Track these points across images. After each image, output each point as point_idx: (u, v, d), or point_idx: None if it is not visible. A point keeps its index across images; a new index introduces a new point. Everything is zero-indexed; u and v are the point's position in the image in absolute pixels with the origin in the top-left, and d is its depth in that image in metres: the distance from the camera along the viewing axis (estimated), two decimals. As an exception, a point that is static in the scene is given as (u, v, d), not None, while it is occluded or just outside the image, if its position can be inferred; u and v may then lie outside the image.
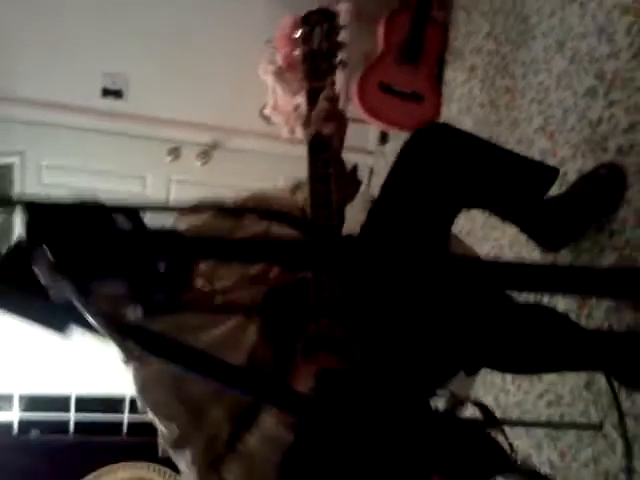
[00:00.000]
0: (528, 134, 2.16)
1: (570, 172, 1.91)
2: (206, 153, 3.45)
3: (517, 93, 2.27)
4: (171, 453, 1.27)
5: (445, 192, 1.41)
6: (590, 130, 1.85)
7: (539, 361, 1.49)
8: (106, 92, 3.33)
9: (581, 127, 1.89)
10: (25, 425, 4.11)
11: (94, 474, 3.79)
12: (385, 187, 1.48)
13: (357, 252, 0.94)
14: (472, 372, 1.50)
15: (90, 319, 0.55)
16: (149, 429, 1.30)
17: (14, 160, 3.35)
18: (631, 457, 0.92)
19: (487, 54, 2.52)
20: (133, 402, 4.01)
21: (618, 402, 0.92)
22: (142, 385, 1.27)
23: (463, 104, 2.67)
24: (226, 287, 1.30)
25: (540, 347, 1.46)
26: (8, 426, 4.10)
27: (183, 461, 1.24)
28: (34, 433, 4.13)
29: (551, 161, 2.00)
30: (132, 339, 0.59)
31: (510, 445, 0.88)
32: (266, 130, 3.37)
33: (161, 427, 1.26)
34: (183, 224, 1.36)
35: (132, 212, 0.67)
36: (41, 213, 0.60)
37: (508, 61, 2.36)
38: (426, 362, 1.33)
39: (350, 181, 1.52)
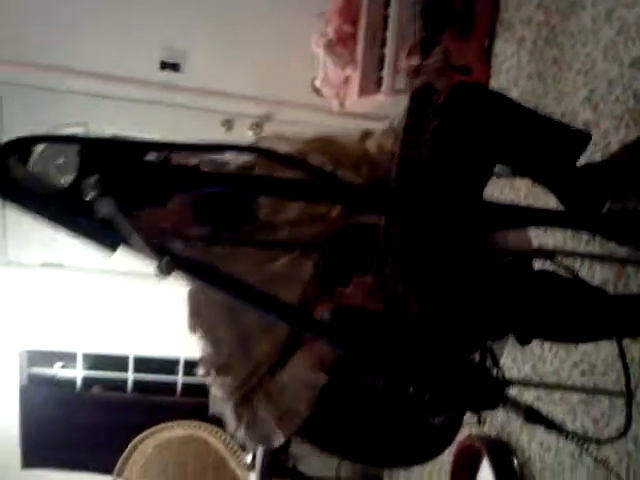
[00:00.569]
0: (573, 106, 2.16)
1: (613, 143, 1.92)
2: (258, 125, 3.55)
3: (564, 64, 2.27)
4: (211, 377, 1.33)
5: (478, 153, 1.43)
6: (634, 101, 1.85)
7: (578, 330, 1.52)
8: (164, 65, 3.45)
9: (625, 98, 1.89)
10: (87, 382, 4.38)
11: (150, 431, 3.99)
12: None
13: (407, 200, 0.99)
14: (525, 341, 1.54)
15: (128, 235, 0.65)
16: (201, 391, 1.39)
17: (79, 131, 3.53)
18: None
19: (536, 25, 2.51)
20: (187, 364, 4.22)
21: (626, 365, 0.97)
22: (197, 307, 1.33)
23: (511, 76, 2.66)
24: (288, 220, 1.33)
25: (577, 316, 1.50)
26: (72, 383, 4.38)
27: (222, 387, 1.31)
28: (95, 390, 4.39)
29: (595, 133, 2.00)
30: (170, 259, 0.68)
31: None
32: (317, 102, 3.44)
33: (208, 349, 1.32)
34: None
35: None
36: (93, 147, 0.73)
37: (557, 32, 2.35)
38: (472, 324, 1.38)
39: None
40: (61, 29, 3.29)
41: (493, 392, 0.82)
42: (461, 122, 1.43)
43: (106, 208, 0.67)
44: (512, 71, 2.67)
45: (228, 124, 3.54)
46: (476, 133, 1.44)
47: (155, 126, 3.51)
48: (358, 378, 1.29)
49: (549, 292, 1.42)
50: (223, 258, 1.24)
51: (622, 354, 1.00)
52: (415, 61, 1.34)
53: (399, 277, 1.23)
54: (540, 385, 2.07)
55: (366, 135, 1.52)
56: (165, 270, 0.69)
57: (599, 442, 0.84)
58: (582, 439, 0.86)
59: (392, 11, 3.05)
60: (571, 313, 1.42)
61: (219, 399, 1.34)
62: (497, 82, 2.78)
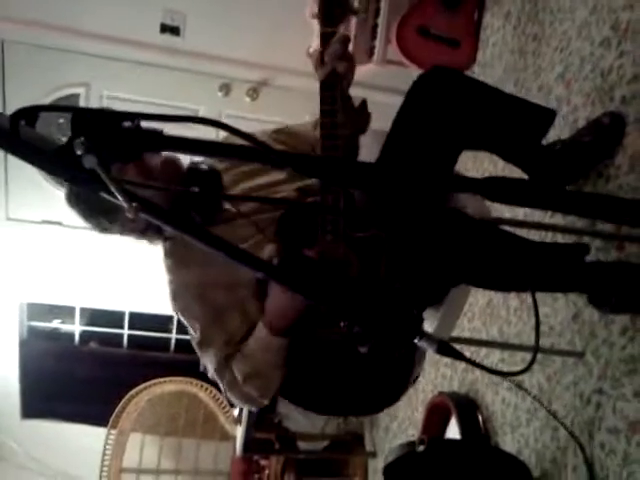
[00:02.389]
0: (549, 81, 2.25)
1: (580, 119, 2.02)
2: (255, 90, 3.63)
3: (543, 41, 2.35)
4: (199, 354, 1.54)
5: (446, 130, 1.55)
6: (601, 79, 1.94)
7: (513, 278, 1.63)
8: (164, 28, 3.51)
9: (594, 76, 1.98)
10: (85, 337, 4.55)
11: (143, 385, 4.18)
12: (394, 125, 1.63)
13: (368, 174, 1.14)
14: (456, 284, 1.67)
15: (107, 182, 0.83)
16: (194, 348, 1.56)
17: (80, 91, 3.62)
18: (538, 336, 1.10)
19: (521, 1, 2.58)
20: (181, 322, 4.37)
21: (537, 312, 1.08)
22: (174, 291, 1.55)
23: (496, 50, 2.75)
24: (250, 209, 1.53)
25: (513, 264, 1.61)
26: (70, 337, 4.54)
27: (207, 358, 1.51)
28: (92, 345, 4.56)
29: (565, 108, 2.10)
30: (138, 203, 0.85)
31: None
32: (312, 69, 3.51)
33: (190, 329, 1.53)
34: None
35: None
36: (83, 115, 0.87)
37: (539, 9, 2.43)
38: (418, 274, 1.52)
39: (359, 114, 1.68)
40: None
41: (410, 326, 0.94)
42: (430, 102, 1.54)
43: (89, 162, 0.83)
44: (497, 45, 2.75)
45: (226, 88, 3.62)
46: (444, 112, 1.54)
47: (154, 88, 3.60)
48: (318, 333, 1.44)
49: (475, 239, 1.53)
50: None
51: (535, 305, 1.11)
52: (318, 53, 1.49)
53: (339, 240, 1.38)
54: (481, 343, 2.21)
55: (317, 123, 1.68)
56: (133, 211, 0.85)
57: (504, 375, 0.95)
58: (489, 370, 0.99)
59: (387, -19, 3.11)
60: (493, 259, 1.53)
61: (207, 369, 1.53)
62: (483, 56, 2.86)
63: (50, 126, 3.47)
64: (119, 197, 0.85)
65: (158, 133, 0.93)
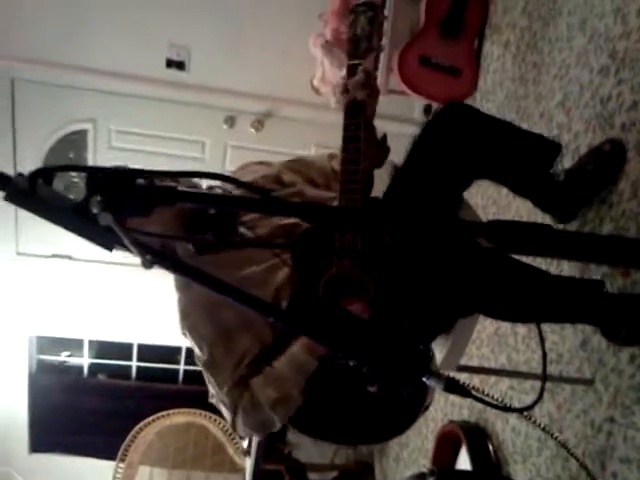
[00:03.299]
0: (550, 109, 2.27)
1: (582, 146, 2.03)
2: (260, 121, 3.67)
3: (543, 68, 2.37)
4: (205, 376, 1.51)
5: (458, 164, 1.57)
6: (601, 107, 1.96)
7: (524, 309, 1.64)
8: (170, 63, 3.58)
9: (594, 104, 2.00)
10: (93, 370, 4.55)
11: (152, 417, 4.17)
12: (407, 158, 1.65)
13: (377, 213, 1.17)
14: (467, 315, 1.68)
15: (122, 238, 0.87)
16: (202, 379, 1.55)
17: (88, 126, 3.68)
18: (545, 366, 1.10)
19: (520, 30, 2.61)
20: (189, 353, 4.37)
21: (543, 345, 1.08)
22: (183, 310, 1.53)
23: (497, 78, 2.77)
24: (264, 234, 1.54)
25: (524, 296, 1.62)
26: (79, 369, 4.54)
27: (215, 380, 1.48)
28: (101, 377, 4.56)
29: (566, 136, 2.11)
30: (151, 256, 0.88)
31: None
32: (316, 100, 3.55)
33: (196, 349, 1.50)
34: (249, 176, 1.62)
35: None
36: (96, 175, 0.91)
37: (537, 37, 2.46)
38: (429, 306, 1.52)
39: (379, 147, 1.71)
40: (72, 28, 3.43)
41: (418, 366, 0.95)
42: (443, 136, 1.57)
43: (105, 220, 0.88)
44: (498, 73, 2.78)
45: (230, 121, 3.67)
46: (457, 146, 1.57)
47: (161, 122, 3.66)
48: (335, 362, 1.43)
49: (491, 270, 1.54)
50: (208, 264, 1.42)
51: (541, 338, 1.12)
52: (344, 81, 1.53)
53: (355, 264, 1.39)
54: (489, 372, 2.19)
55: (332, 156, 1.73)
56: (148, 263, 0.89)
57: (512, 410, 0.94)
58: (497, 407, 0.98)
59: (387, 12, 3.16)
60: (504, 290, 1.54)
61: (213, 393, 1.51)
62: (484, 83, 2.89)
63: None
64: (134, 250, 0.89)
65: (171, 189, 0.97)
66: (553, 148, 1.78)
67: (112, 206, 0.87)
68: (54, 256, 3.82)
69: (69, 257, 3.83)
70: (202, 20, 3.50)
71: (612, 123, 1.88)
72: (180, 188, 1.05)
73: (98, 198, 0.87)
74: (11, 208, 0.92)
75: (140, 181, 0.95)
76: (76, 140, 3.72)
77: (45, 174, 0.90)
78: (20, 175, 0.89)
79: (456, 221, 1.59)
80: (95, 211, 0.87)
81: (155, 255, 0.89)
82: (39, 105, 3.57)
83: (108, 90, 3.57)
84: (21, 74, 3.49)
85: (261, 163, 1.76)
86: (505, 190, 2.47)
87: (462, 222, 1.63)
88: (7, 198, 0.87)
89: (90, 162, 3.75)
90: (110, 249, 0.94)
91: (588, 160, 1.89)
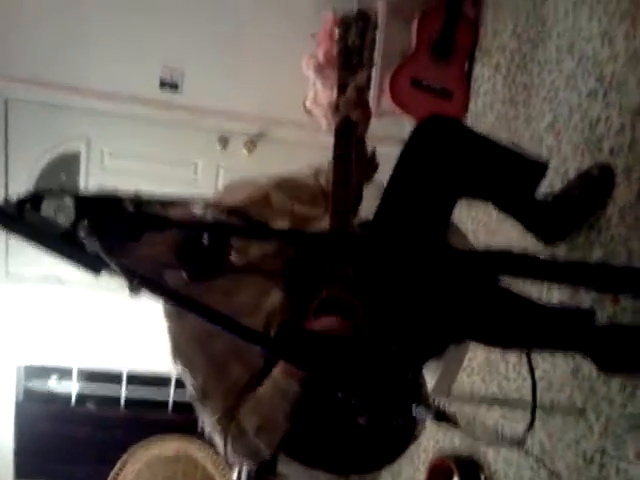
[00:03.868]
0: (539, 131, 2.26)
1: (571, 170, 2.01)
2: (252, 142, 3.66)
3: (533, 91, 2.36)
4: (197, 406, 1.47)
5: (442, 179, 1.54)
6: (589, 130, 1.94)
7: (515, 337, 1.60)
8: (163, 84, 3.57)
9: (582, 127, 1.98)
10: (82, 398, 4.48)
11: (140, 445, 4.06)
12: (391, 178, 1.62)
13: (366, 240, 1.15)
14: (459, 342, 1.64)
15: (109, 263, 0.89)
16: (192, 407, 1.52)
17: (81, 147, 3.67)
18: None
19: (510, 52, 2.60)
20: (179, 381, 4.31)
21: (533, 375, 1.05)
22: (173, 339, 1.50)
23: (487, 100, 2.76)
24: (255, 259, 1.48)
25: (515, 324, 1.59)
26: (67, 398, 4.47)
27: (206, 412, 1.45)
28: (89, 406, 4.49)
29: (555, 158, 2.09)
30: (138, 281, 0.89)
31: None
32: (308, 121, 3.55)
33: (188, 379, 1.47)
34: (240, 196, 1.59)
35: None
36: (84, 200, 0.94)
37: (527, 60, 2.45)
38: (419, 332, 1.49)
39: (369, 163, 1.68)
40: (67, 48, 3.43)
41: (407, 396, 0.92)
42: (427, 151, 1.54)
43: (92, 245, 0.90)
44: (488, 95, 2.77)
45: (224, 142, 3.66)
46: (441, 162, 1.54)
47: (153, 143, 3.65)
48: (324, 389, 1.40)
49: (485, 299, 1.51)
50: (199, 291, 1.39)
51: (531, 369, 1.09)
52: (336, 99, 1.52)
53: (347, 290, 1.38)
54: (481, 400, 2.14)
55: (318, 172, 1.70)
56: (135, 289, 0.91)
57: (498, 444, 0.92)
58: (487, 443, 0.96)
59: (379, 34, 3.16)
60: (496, 318, 1.51)
61: (205, 423, 1.47)
62: (475, 105, 2.87)
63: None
64: (121, 275, 0.90)
65: (159, 216, 0.97)
66: (539, 167, 1.75)
67: (99, 231, 0.89)
68: (43, 279, 3.78)
69: (58, 280, 3.79)
70: (196, 41, 3.51)
71: (600, 147, 1.87)
72: (172, 213, 1.05)
73: (85, 223, 0.89)
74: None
75: (128, 206, 0.97)
76: (68, 161, 3.71)
77: (33, 200, 0.92)
78: (8, 201, 0.92)
79: (447, 249, 1.56)
80: (82, 236, 0.89)
81: (143, 281, 0.90)
82: (32, 125, 3.56)
83: (101, 110, 3.56)
84: (15, 94, 3.48)
85: (247, 182, 1.72)
86: (495, 214, 2.46)
87: (453, 250, 1.61)
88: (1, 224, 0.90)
89: (82, 183, 3.74)
90: (97, 273, 0.95)
91: (576, 184, 1.86)
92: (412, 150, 1.57)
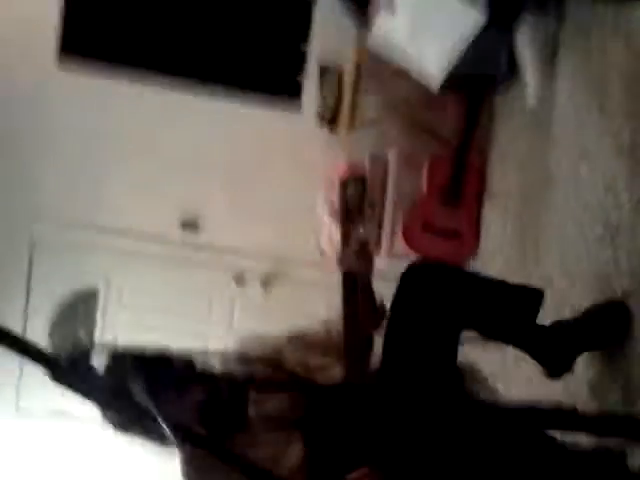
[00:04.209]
0: (549, 272, 2.34)
1: (581, 307, 2.06)
2: (268, 281, 3.76)
3: (541, 233, 2.48)
4: None
5: (441, 324, 1.58)
6: (598, 271, 2.02)
7: None
8: (183, 224, 3.75)
9: (591, 269, 2.06)
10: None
11: None
12: (389, 325, 1.66)
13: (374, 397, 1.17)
14: None
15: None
16: None
17: (100, 284, 3.78)
18: None
19: (517, 197, 2.76)
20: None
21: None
22: None
23: (497, 241, 2.88)
24: (272, 412, 1.50)
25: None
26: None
27: None
28: None
29: (567, 299, 2.16)
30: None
31: None
32: (323, 260, 3.65)
33: None
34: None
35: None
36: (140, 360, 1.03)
37: (534, 204, 2.59)
38: None
39: (377, 312, 1.74)
40: (91, 190, 3.66)
41: None
42: (418, 301, 1.60)
43: (145, 402, 0.96)
44: (498, 237, 2.89)
45: (239, 279, 3.76)
46: (434, 309, 1.59)
47: (170, 281, 3.74)
48: None
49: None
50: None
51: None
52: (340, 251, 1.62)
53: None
54: None
55: (328, 324, 1.74)
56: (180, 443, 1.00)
57: None
58: None
59: (391, 179, 3.35)
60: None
61: None
62: (485, 247, 2.99)
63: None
64: (168, 431, 0.94)
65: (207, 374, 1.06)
66: (535, 295, 1.80)
67: (152, 391, 0.95)
68: (54, 413, 3.72)
69: (69, 415, 3.73)
70: (214, 181, 3.72)
71: (612, 287, 1.93)
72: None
73: (139, 383, 0.96)
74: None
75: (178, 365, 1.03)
76: (87, 297, 3.81)
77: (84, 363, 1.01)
78: (63, 358, 0.98)
79: (474, 403, 1.58)
80: (136, 394, 0.95)
81: (188, 434, 0.98)
82: (54, 263, 3.70)
83: (122, 249, 3.71)
84: (40, 235, 3.65)
85: (259, 337, 1.75)
86: (511, 355, 2.47)
87: (478, 405, 1.62)
88: (54, 378, 0.92)
89: (99, 319, 3.80)
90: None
91: (586, 316, 1.89)
92: (401, 300, 1.60)
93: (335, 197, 3.47)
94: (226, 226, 3.74)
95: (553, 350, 1.86)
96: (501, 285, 1.78)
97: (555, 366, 1.91)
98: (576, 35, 2.37)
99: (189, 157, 3.70)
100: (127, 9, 3.63)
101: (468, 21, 1.58)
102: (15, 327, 0.93)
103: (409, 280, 1.62)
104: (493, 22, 2.44)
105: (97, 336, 3.78)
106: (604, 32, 2.17)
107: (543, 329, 1.85)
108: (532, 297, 1.78)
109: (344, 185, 1.81)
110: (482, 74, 2.91)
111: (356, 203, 1.80)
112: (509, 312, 1.72)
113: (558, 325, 1.90)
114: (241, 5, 3.69)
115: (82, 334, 3.83)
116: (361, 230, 1.76)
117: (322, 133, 3.60)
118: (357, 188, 1.76)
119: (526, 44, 2.52)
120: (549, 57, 2.51)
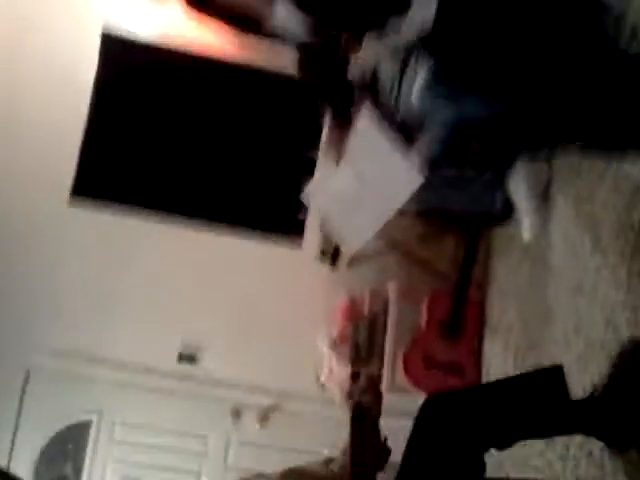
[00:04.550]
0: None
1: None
2: (265, 415, 3.67)
3: (544, 368, 2.47)
4: None
5: (468, 449, 1.56)
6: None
7: None
8: (181, 357, 3.71)
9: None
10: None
11: None
12: (405, 460, 1.63)
13: None
14: None
15: None
16: None
17: (93, 417, 3.68)
18: None
19: (517, 331, 2.78)
20: None
21: None
22: None
23: (499, 376, 2.86)
24: None
25: None
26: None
27: None
28: None
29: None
30: None
31: None
32: (322, 395, 3.60)
33: None
34: None
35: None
36: None
37: (535, 339, 2.60)
38: None
39: (382, 451, 1.71)
40: (89, 321, 3.65)
41: None
42: (441, 431, 1.59)
43: None
44: (499, 371, 2.88)
45: (236, 413, 3.67)
46: (460, 435, 1.58)
47: (166, 414, 3.65)
48: None
49: None
50: None
51: None
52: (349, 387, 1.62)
53: None
54: None
55: (329, 461, 1.72)
56: None
57: None
58: None
59: (390, 313, 3.37)
60: None
61: None
62: (487, 381, 2.97)
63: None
64: None
65: None
66: (554, 371, 1.77)
67: None
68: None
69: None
70: (215, 314, 3.72)
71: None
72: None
73: None
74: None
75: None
76: (78, 430, 3.69)
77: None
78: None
79: None
80: None
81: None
82: (47, 394, 3.62)
83: (118, 381, 3.64)
84: (36, 364, 3.60)
85: (259, 476, 1.71)
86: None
87: None
88: None
89: (89, 455, 3.66)
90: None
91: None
92: (422, 432, 1.62)
93: (335, 332, 3.51)
94: (225, 359, 3.71)
95: (608, 423, 1.79)
96: (516, 379, 1.76)
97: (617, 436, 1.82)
98: (567, 178, 2.51)
99: (191, 291, 3.74)
100: (136, 152, 3.84)
101: (406, 186, 1.65)
102: (0, 459, 0.89)
103: (428, 413, 1.62)
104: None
105: (86, 473, 3.64)
106: (593, 176, 2.30)
107: (581, 403, 1.79)
108: (553, 376, 1.75)
109: (356, 327, 1.85)
110: (478, 212, 3.04)
111: (366, 344, 1.83)
112: (537, 400, 1.69)
113: (594, 394, 1.83)
114: (244, 149, 3.90)
115: (69, 470, 3.69)
116: (370, 367, 1.78)
117: (322, 268, 3.67)
118: (368, 329, 1.79)
119: (520, 186, 2.66)
120: (542, 197, 2.64)
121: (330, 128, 1.68)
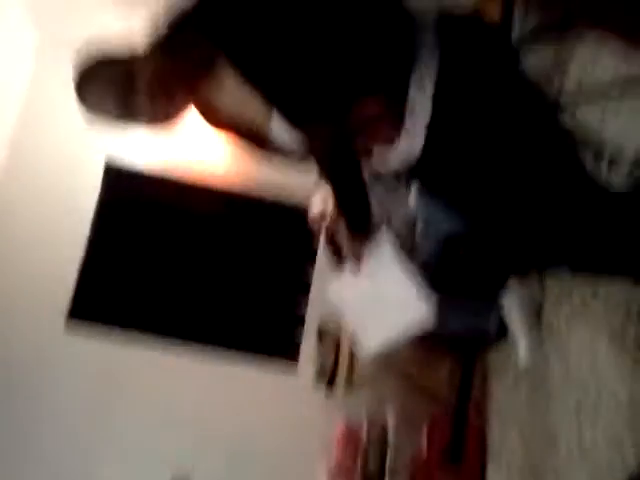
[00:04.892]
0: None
1: None
2: None
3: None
4: None
5: None
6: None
7: None
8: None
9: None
10: None
11: None
12: None
13: None
14: None
15: None
16: None
17: None
18: None
19: (520, 457, 2.70)
20: None
21: None
22: None
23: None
24: None
25: None
26: None
27: None
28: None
29: None
30: None
31: None
32: None
33: None
34: None
35: None
36: None
37: (538, 466, 2.53)
38: None
39: None
40: (79, 456, 3.54)
41: None
42: None
43: None
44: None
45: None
46: None
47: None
48: None
49: None
50: None
51: None
52: None
53: None
54: None
55: None
56: None
57: None
58: None
59: (390, 440, 3.28)
60: None
61: None
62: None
63: None
64: None
65: None
66: None
67: None
68: None
69: None
70: (206, 449, 3.65)
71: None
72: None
73: None
74: None
75: None
76: None
77: None
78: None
79: None
80: None
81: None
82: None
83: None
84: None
85: None
86: None
87: None
88: None
89: None
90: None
91: None
92: None
93: (333, 462, 3.40)
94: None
95: None
96: None
97: None
98: (559, 300, 2.55)
99: (182, 424, 3.70)
100: (132, 277, 3.91)
101: (418, 313, 1.69)
102: None
103: None
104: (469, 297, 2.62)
105: None
106: (585, 296, 2.35)
107: None
108: None
109: (366, 451, 1.81)
110: (473, 335, 3.05)
111: (376, 467, 1.79)
112: None
113: None
114: (238, 271, 3.98)
115: None
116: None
117: (319, 394, 3.62)
118: (380, 449, 1.76)
119: (513, 307, 2.70)
120: (536, 319, 2.67)
121: (346, 238, 1.73)
